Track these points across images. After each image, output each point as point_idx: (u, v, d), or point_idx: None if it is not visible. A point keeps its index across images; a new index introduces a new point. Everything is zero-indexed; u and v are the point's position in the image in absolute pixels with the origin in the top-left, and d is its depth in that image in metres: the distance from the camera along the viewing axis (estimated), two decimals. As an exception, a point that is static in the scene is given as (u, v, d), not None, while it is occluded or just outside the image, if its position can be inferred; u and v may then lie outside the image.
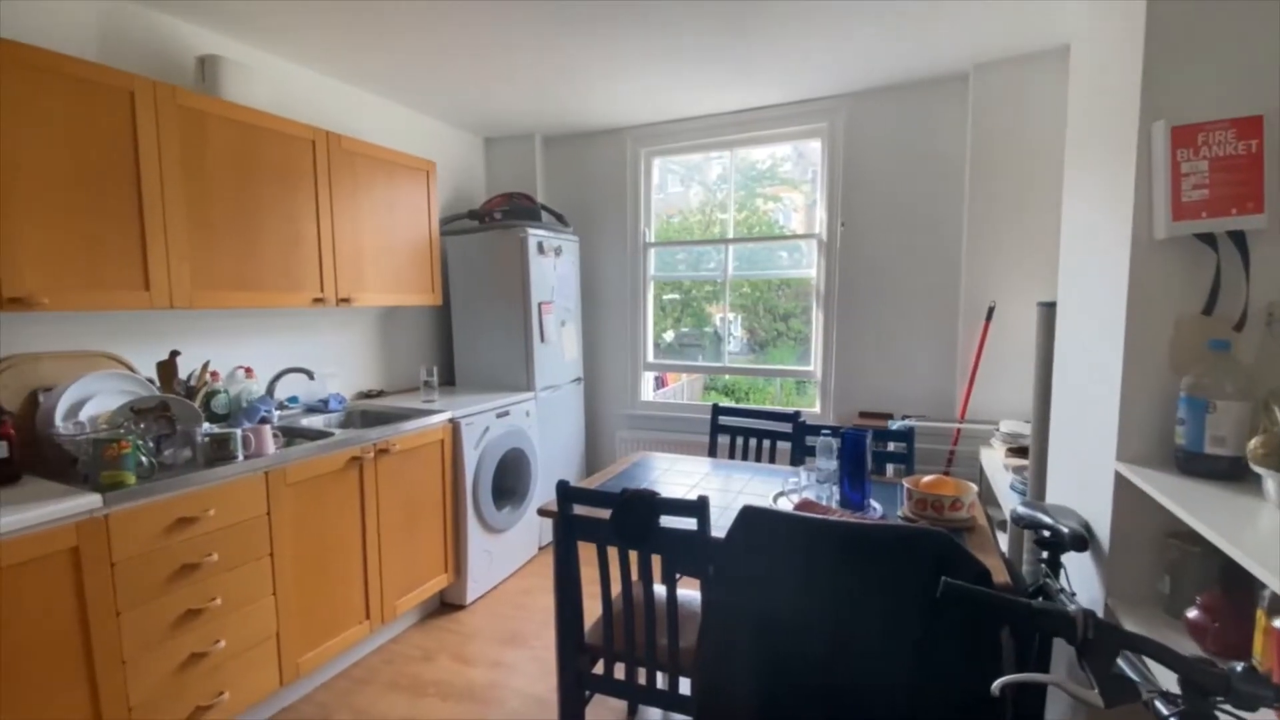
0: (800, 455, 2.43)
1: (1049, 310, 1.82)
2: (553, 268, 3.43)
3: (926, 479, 1.71)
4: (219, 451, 1.86)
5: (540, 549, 3.41)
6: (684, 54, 2.63)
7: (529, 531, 3.27)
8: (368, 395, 3.09)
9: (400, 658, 2.43)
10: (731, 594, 1.37)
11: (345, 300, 2.59)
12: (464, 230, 3.40)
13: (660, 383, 4.32)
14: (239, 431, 1.91)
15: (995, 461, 2.46)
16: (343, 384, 2.98)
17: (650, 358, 3.93)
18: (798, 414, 2.51)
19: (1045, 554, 1.43)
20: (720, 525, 1.59)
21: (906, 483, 1.70)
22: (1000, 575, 1.39)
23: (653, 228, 3.84)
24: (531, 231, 3.25)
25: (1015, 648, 1.47)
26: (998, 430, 2.63)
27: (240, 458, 1.89)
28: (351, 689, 2.23)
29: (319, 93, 2.84)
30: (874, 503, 1.78)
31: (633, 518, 1.47)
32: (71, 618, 1.52)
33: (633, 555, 1.56)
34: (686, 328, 4.19)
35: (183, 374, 2.14)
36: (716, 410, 2.70)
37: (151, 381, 2.06)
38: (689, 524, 1.47)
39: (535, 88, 3.05)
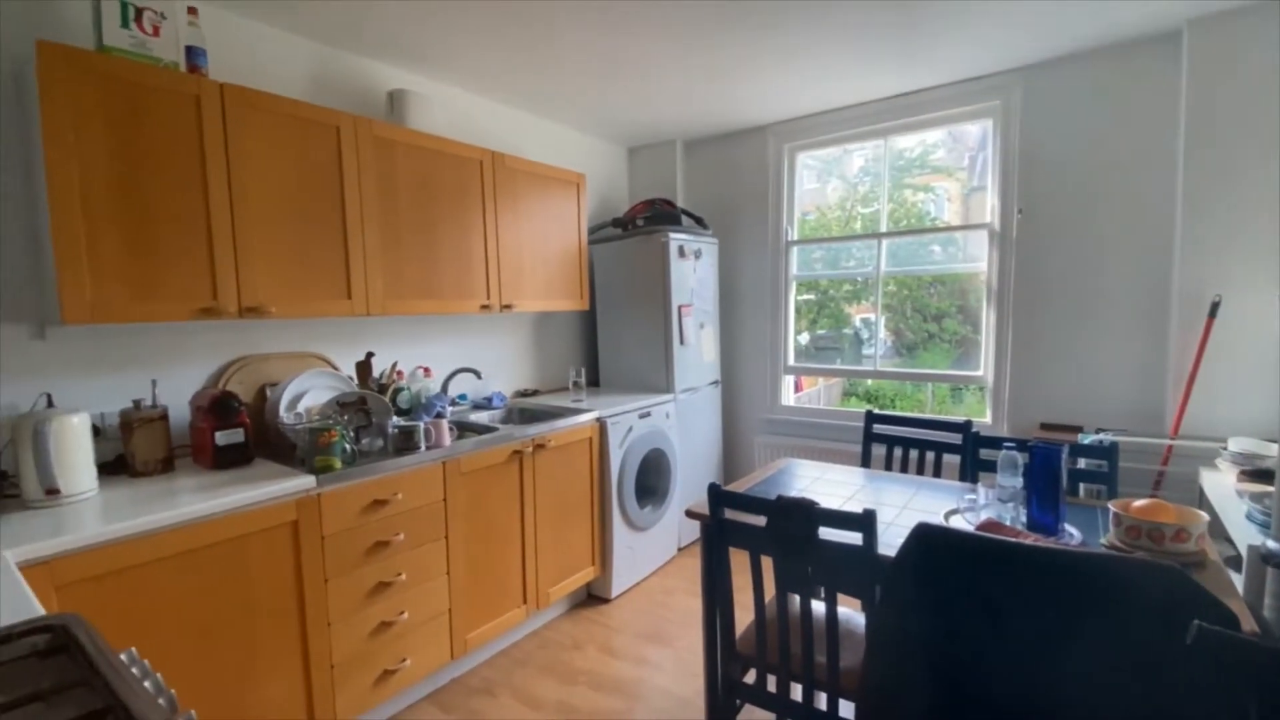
0: (973, 470, 2.21)
1: (1311, 305, 1.48)
2: (692, 270, 3.44)
3: (1138, 503, 1.47)
4: (405, 442, 2.08)
5: (680, 550, 3.43)
6: (839, 41, 2.51)
7: (669, 532, 3.30)
8: (524, 394, 3.30)
9: (552, 644, 2.56)
10: (903, 620, 1.27)
11: (507, 306, 2.79)
12: (609, 238, 3.52)
13: (796, 387, 4.16)
14: (422, 424, 2.12)
15: (1223, 486, 2.07)
16: (502, 383, 3.21)
17: (791, 360, 3.80)
18: (969, 424, 2.28)
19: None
20: (887, 543, 1.48)
21: (1114, 506, 1.47)
22: (1247, 621, 1.15)
23: (795, 225, 3.72)
24: (672, 236, 3.28)
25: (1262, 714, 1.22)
26: (1225, 449, 2.21)
27: (423, 448, 2.10)
28: (511, 668, 2.39)
29: (485, 116, 3.09)
30: (1069, 527, 1.56)
31: (790, 527, 1.42)
32: (290, 582, 1.77)
33: (774, 565, 1.50)
34: (823, 329, 3.99)
35: (375, 373, 2.42)
36: (871, 417, 2.54)
37: (351, 379, 2.35)
38: (852, 538, 1.39)
39: (679, 95, 3.08)
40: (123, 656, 0.85)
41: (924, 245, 3.47)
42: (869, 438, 2.52)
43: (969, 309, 3.37)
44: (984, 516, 1.61)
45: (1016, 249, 2.95)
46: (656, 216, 3.42)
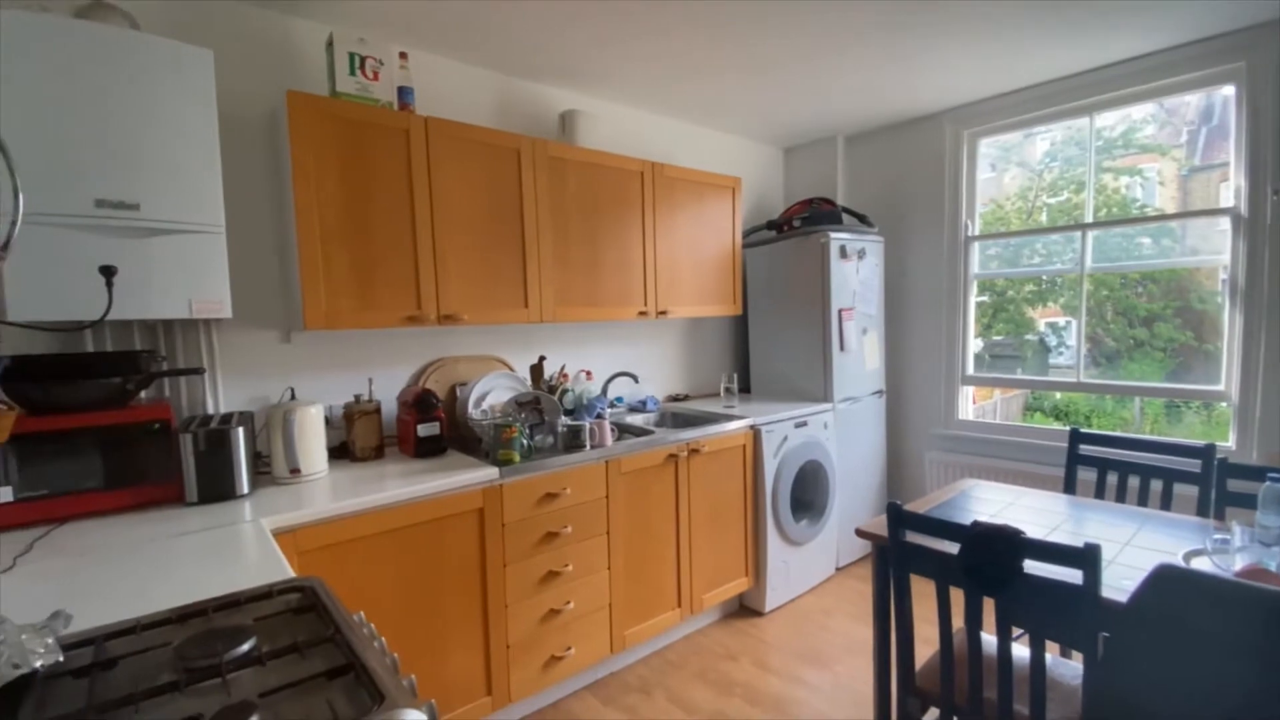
0: (1217, 504, 1.83)
1: None
2: (855, 271, 3.26)
3: None
4: (573, 440, 2.20)
5: (837, 569, 3.25)
6: (1033, 11, 2.23)
7: (826, 549, 3.14)
8: (675, 398, 3.34)
9: (706, 651, 2.54)
10: (1137, 680, 1.08)
11: (663, 313, 2.84)
12: (762, 241, 3.45)
13: (970, 398, 3.74)
14: (588, 424, 2.22)
15: None
16: (655, 388, 3.28)
17: (970, 369, 3.44)
18: (1211, 448, 1.90)
19: None
20: (1111, 584, 1.27)
21: None
22: None
23: (976, 219, 3.37)
24: (833, 235, 3.13)
25: None
26: None
27: (588, 447, 2.20)
28: (665, 669, 2.41)
29: (644, 128, 3.18)
30: (1378, 587, 1.22)
31: (990, 557, 1.27)
32: (475, 564, 1.94)
33: (966, 599, 1.35)
34: (1000, 334, 3.55)
35: (545, 375, 2.59)
36: (1077, 436, 2.21)
37: (525, 380, 2.53)
38: (1067, 575, 1.21)
39: (844, 88, 2.93)
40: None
41: (1130, 237, 2.96)
42: (1074, 460, 2.20)
43: (1191, 312, 2.82)
44: (1242, 561, 1.33)
45: (1271, 238, 2.42)
46: (815, 216, 3.28)
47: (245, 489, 1.70)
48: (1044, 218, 3.30)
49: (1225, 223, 2.58)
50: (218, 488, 1.65)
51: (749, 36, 2.36)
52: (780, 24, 2.26)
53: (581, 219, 2.53)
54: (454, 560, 1.89)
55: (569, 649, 2.15)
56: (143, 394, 1.76)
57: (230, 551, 1.33)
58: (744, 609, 2.90)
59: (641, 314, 2.77)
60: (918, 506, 1.89)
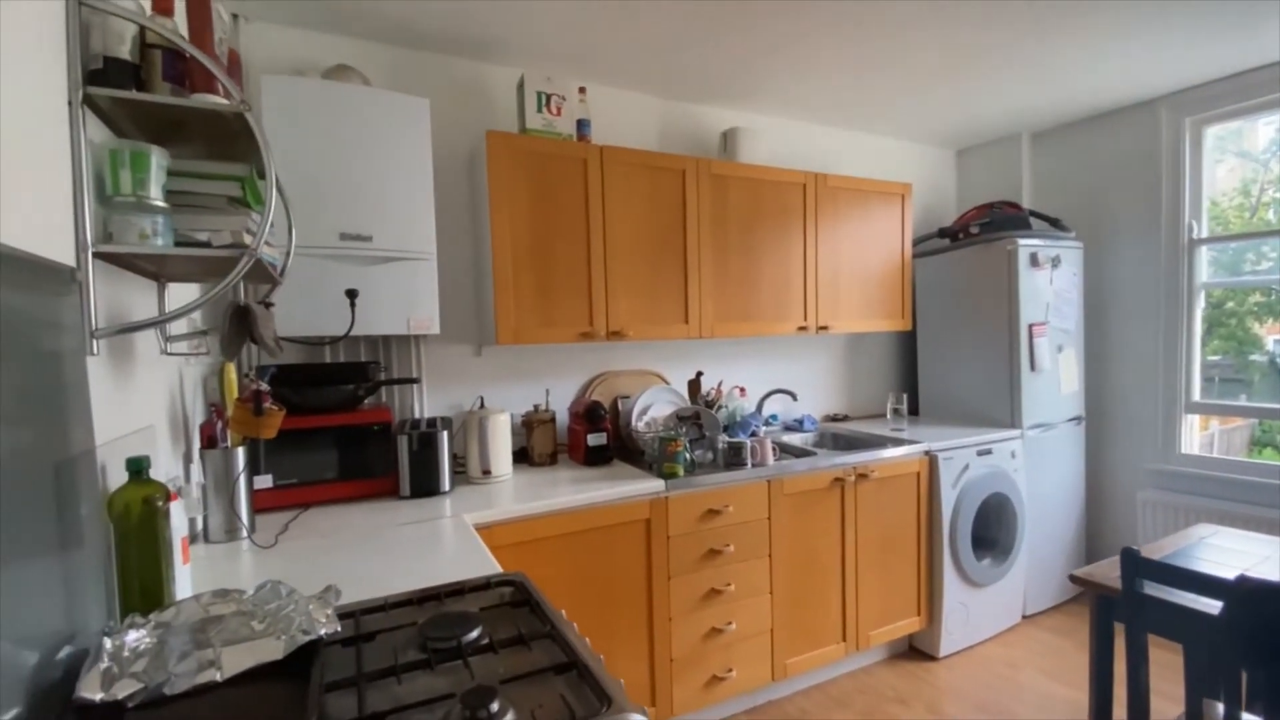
0: None
1: None
2: (1048, 282, 2.90)
3: None
4: (734, 457, 2.18)
5: (1024, 617, 2.88)
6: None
7: (1012, 594, 2.80)
8: (833, 418, 3.19)
9: (873, 691, 2.37)
10: None
11: (824, 328, 2.74)
12: (934, 250, 3.20)
13: (1196, 429, 3.14)
14: (749, 441, 2.19)
15: None
16: (812, 406, 3.16)
17: (1197, 394, 2.91)
18: None
19: None
20: None
21: None
22: None
23: (1204, 219, 2.86)
24: (1021, 242, 2.82)
25: None
26: None
27: (749, 465, 2.17)
28: (829, 705, 2.29)
29: (805, 139, 3.12)
30: None
31: (1264, 621, 1.05)
32: (641, 574, 1.98)
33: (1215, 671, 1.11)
34: (1217, 355, 2.94)
35: (703, 390, 2.60)
36: (1370, 482, 1.77)
37: (682, 396, 2.57)
38: (1390, 657, 0.96)
39: (1031, 78, 2.65)
40: (566, 618, 1.03)
41: None
42: (1365, 511, 1.76)
43: None
44: None
45: None
46: (997, 222, 2.98)
47: (447, 486, 1.89)
48: (1271, 216, 2.73)
49: None
50: (425, 484, 1.86)
51: (916, 34, 2.22)
52: (950, 19, 2.10)
53: (742, 234, 2.53)
54: (622, 567, 1.94)
55: (730, 670, 2.12)
56: (366, 400, 2.03)
57: (442, 542, 1.48)
58: (914, 650, 2.67)
59: (801, 329, 2.69)
60: (1148, 553, 1.62)
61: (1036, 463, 2.88)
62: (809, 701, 2.31)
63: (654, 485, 1.98)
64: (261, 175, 1.18)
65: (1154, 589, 1.26)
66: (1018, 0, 2.00)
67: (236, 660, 0.80)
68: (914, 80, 2.64)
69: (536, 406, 2.27)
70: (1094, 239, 3.15)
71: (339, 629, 0.88)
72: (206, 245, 1.11)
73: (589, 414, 2.20)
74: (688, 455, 2.09)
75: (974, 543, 2.64)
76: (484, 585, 1.13)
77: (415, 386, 2.17)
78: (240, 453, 1.55)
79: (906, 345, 3.46)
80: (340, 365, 2.02)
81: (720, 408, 2.62)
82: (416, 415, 2.19)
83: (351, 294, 1.71)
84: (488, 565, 1.31)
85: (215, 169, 1.17)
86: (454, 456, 2.13)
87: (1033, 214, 3.04)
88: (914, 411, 3.34)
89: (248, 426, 1.44)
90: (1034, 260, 2.85)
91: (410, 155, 1.87)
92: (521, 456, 2.28)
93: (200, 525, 1.55)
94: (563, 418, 2.42)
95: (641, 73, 2.47)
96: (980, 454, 2.67)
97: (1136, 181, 3.01)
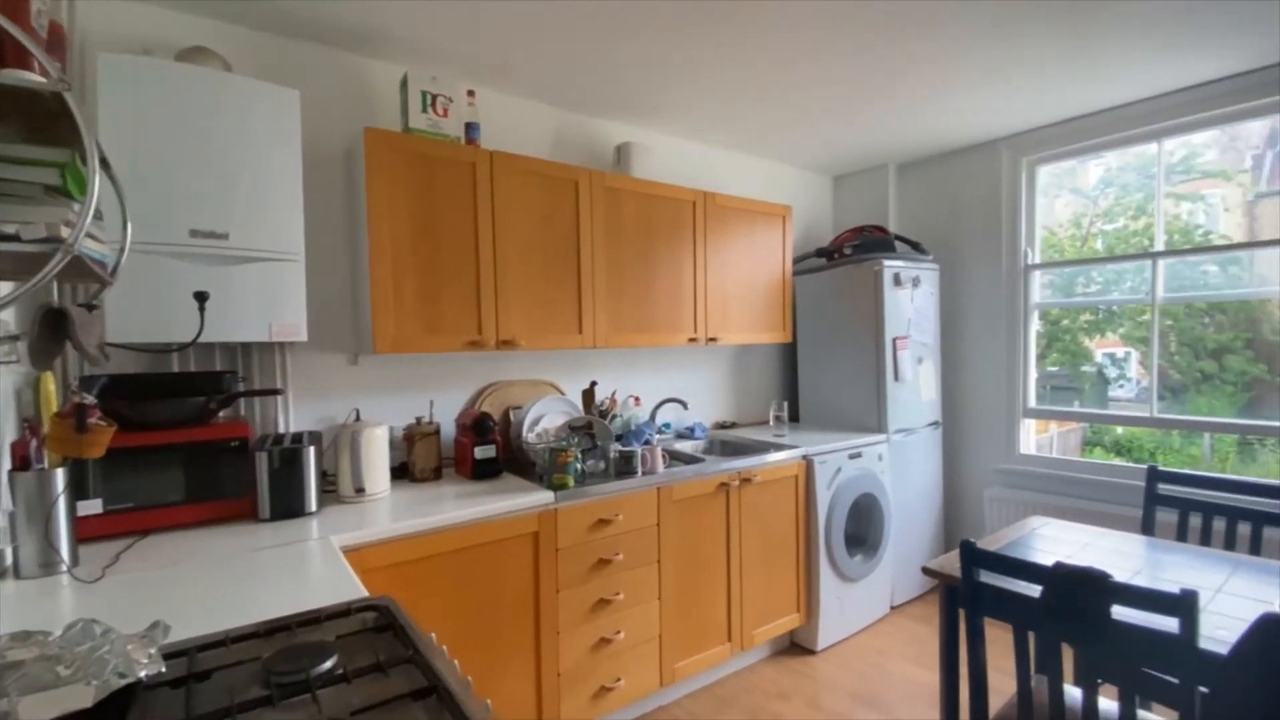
0: (1322, 552, 1.70)
1: None
2: (909, 300, 3.19)
3: None
4: (625, 466, 2.20)
5: (892, 608, 3.13)
6: (1090, 38, 2.19)
7: (881, 586, 3.02)
8: (722, 426, 3.31)
9: (756, 689, 2.47)
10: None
11: (713, 339, 2.84)
12: (813, 269, 3.42)
13: (1032, 432, 3.58)
14: (640, 450, 2.22)
15: None
16: (702, 415, 3.26)
17: (1032, 402, 3.31)
18: (1310, 491, 1.77)
19: None
20: (1209, 635, 1.19)
21: None
22: None
23: (1036, 247, 3.28)
24: (887, 263, 3.09)
25: None
26: None
27: (640, 473, 2.20)
28: (716, 706, 2.35)
29: (698, 159, 3.23)
30: None
31: (1075, 602, 1.20)
32: (529, 589, 1.94)
33: (1037, 645, 1.27)
34: (1054, 365, 3.41)
35: (596, 400, 2.61)
36: (1155, 475, 2.09)
37: (576, 405, 2.56)
38: (1160, 623, 1.13)
39: (898, 115, 2.92)
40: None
41: (1193, 266, 2.83)
42: (1153, 499, 2.08)
43: (1263, 343, 2.67)
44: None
45: (1374, 266, 2.27)
46: (867, 244, 3.25)
47: (313, 507, 1.75)
48: (1099, 245, 3.19)
49: (1302, 252, 2.44)
50: (288, 505, 1.71)
51: (800, 68, 2.38)
52: (831, 57, 2.28)
53: (635, 247, 2.57)
54: (509, 584, 1.89)
55: (618, 680, 2.12)
56: (221, 413, 1.84)
57: (304, 568, 1.37)
58: (795, 646, 2.81)
59: (691, 340, 2.78)
60: (987, 544, 1.82)
61: (901, 464, 3.14)
62: (696, 704, 2.36)
63: (543, 497, 1.95)
64: (85, 161, 1.04)
65: (989, 577, 1.41)
66: (890, 45, 2.19)
67: (37, 711, 0.69)
68: (797, 111, 2.82)
69: (419, 419, 2.17)
70: (949, 262, 3.51)
71: (164, 669, 0.78)
72: (15, 239, 0.96)
73: (477, 426, 2.13)
74: (579, 465, 2.08)
75: (846, 540, 2.83)
76: (344, 612, 1.05)
77: (279, 398, 2.00)
78: (59, 474, 1.35)
79: (789, 356, 3.66)
80: (188, 375, 1.82)
81: (615, 417, 2.64)
82: (281, 429, 2.02)
83: (200, 296, 1.54)
84: (353, 590, 1.23)
85: (29, 153, 1.02)
86: (323, 474, 1.99)
87: (898, 238, 3.34)
88: (795, 418, 3.54)
89: (68, 445, 1.26)
90: (897, 280, 3.12)
91: (276, 149, 1.73)
92: (402, 472, 2.16)
93: (9, 559, 1.33)
94: (450, 430, 2.33)
95: (535, 81, 2.45)
96: (851, 457, 2.87)
97: (982, 212, 3.39)
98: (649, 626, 2.21)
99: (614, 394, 2.66)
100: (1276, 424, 2.63)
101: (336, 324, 2.17)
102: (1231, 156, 2.83)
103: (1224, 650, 1.14)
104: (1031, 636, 1.33)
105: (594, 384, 2.56)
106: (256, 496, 1.70)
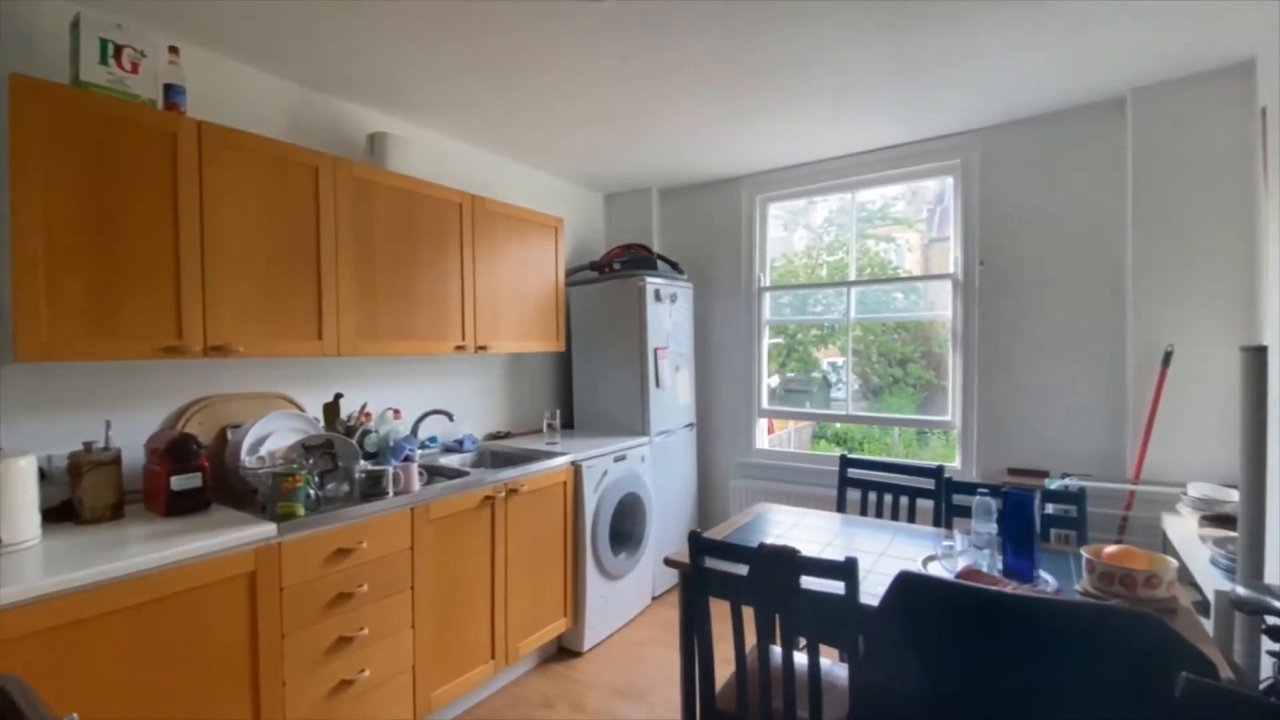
0: (946, 515, 2.23)
1: (1257, 357, 1.56)
2: (668, 314, 3.48)
3: (1110, 549, 1.50)
4: (372, 487, 2.01)
5: (654, 599, 3.35)
6: (809, 100, 2.64)
7: (643, 580, 3.22)
8: (496, 436, 3.24)
9: (522, 701, 2.43)
10: (887, 671, 1.25)
11: (482, 348, 2.76)
12: (585, 280, 3.54)
13: (766, 430, 4.18)
14: (391, 469, 2.05)
15: (1185, 531, 2.12)
16: (474, 425, 3.15)
17: (765, 404, 3.82)
18: (941, 469, 2.31)
19: (1277, 646, 1.18)
20: (868, 591, 1.47)
21: (1085, 553, 1.49)
22: (1223, 669, 1.16)
23: (767, 272, 3.81)
24: (649, 280, 3.32)
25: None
26: (1185, 494, 2.28)
27: (390, 494, 2.03)
28: (476, 729, 2.26)
29: (465, 160, 3.12)
30: (1045, 574, 1.57)
31: (774, 576, 1.40)
32: (244, 638, 1.66)
33: (755, 615, 1.47)
34: (792, 372, 4.06)
35: (343, 414, 2.35)
36: (845, 462, 2.55)
37: (317, 420, 2.28)
38: (834, 587, 1.37)
39: (656, 145, 3.17)
40: (58, 728, 0.78)
41: (888, 293, 3.60)
42: (844, 482, 2.53)
43: (932, 355, 3.48)
44: (962, 563, 1.62)
45: (979, 299, 3.07)
46: (633, 261, 3.46)
47: (-104, 573, 1.28)
48: (824, 273, 3.85)
49: (948, 285, 3.22)
50: None
51: (559, 95, 2.45)
52: (593, 84, 2.39)
53: (393, 248, 2.38)
54: (215, 636, 1.59)
55: (363, 723, 1.92)
56: None
57: None
58: (563, 651, 2.84)
59: (459, 348, 2.66)
60: (718, 532, 2.03)
61: (662, 463, 3.39)
62: (457, 731, 2.25)
63: (263, 530, 1.69)
64: None
65: (713, 562, 1.57)
66: (648, 80, 2.35)
67: None
68: (566, 127, 2.90)
69: (89, 445, 1.72)
70: (701, 281, 3.91)
71: None
72: None
73: (174, 450, 1.76)
74: (312, 491, 1.84)
75: (612, 539, 2.96)
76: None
77: None
78: None
79: (564, 365, 3.73)
80: None
81: (370, 432, 2.40)
82: None
83: None
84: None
85: None
86: (-74, 524, 1.48)
87: (660, 257, 3.62)
88: (569, 425, 3.62)
89: None
90: (657, 296, 3.38)
91: None
92: (66, 513, 1.70)
93: None
94: (137, 457, 1.90)
95: (266, 48, 2.14)
96: (617, 460, 3.02)
97: (727, 239, 3.84)
98: (400, 659, 2.04)
99: (364, 407, 2.42)
100: (922, 418, 3.41)
101: (-47, 323, 1.63)
102: (915, 208, 3.62)
103: (876, 603, 1.41)
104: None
105: (339, 396, 2.31)
106: None
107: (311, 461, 1.95)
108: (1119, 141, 2.67)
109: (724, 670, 1.75)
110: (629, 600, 3.11)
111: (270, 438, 2.07)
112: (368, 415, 2.45)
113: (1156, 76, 2.46)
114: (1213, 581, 1.73)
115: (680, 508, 3.60)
